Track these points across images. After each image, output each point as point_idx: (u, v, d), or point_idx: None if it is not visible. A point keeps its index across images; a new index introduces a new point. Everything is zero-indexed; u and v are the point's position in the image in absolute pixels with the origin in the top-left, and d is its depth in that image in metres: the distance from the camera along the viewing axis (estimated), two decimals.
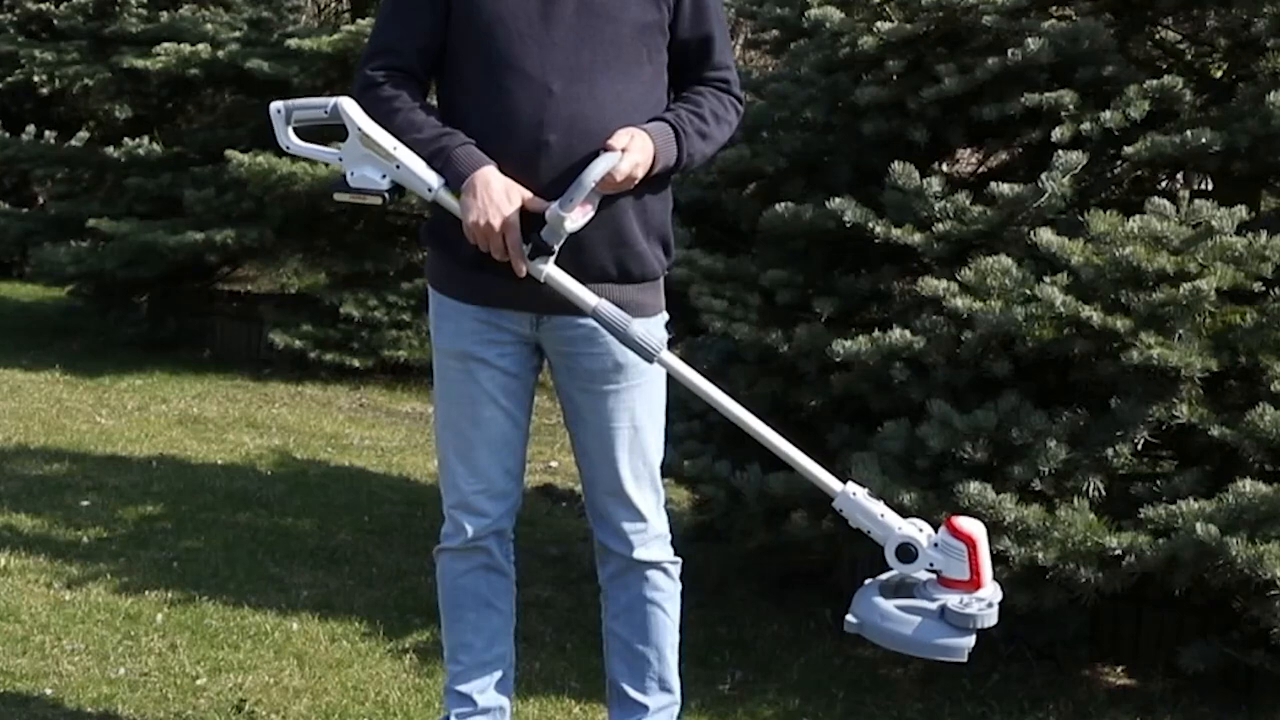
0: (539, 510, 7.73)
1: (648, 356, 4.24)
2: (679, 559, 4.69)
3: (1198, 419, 5.27)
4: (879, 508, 4.17)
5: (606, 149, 4.17)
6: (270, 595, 6.49)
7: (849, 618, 4.15)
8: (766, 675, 5.85)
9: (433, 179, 4.25)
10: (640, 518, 4.58)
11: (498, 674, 4.75)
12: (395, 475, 8.71)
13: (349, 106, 4.28)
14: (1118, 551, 5.11)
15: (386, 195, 4.30)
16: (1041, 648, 5.87)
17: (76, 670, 5.56)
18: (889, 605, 4.14)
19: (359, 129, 4.27)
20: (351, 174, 4.29)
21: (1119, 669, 5.86)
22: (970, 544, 4.09)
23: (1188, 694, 5.60)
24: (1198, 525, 5.00)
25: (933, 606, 4.09)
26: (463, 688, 4.73)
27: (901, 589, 4.17)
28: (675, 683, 4.75)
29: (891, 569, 4.15)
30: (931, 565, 4.08)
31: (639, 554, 4.61)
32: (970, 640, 4.06)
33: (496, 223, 4.18)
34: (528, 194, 4.20)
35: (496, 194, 4.19)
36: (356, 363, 11.22)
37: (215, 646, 5.89)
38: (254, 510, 7.80)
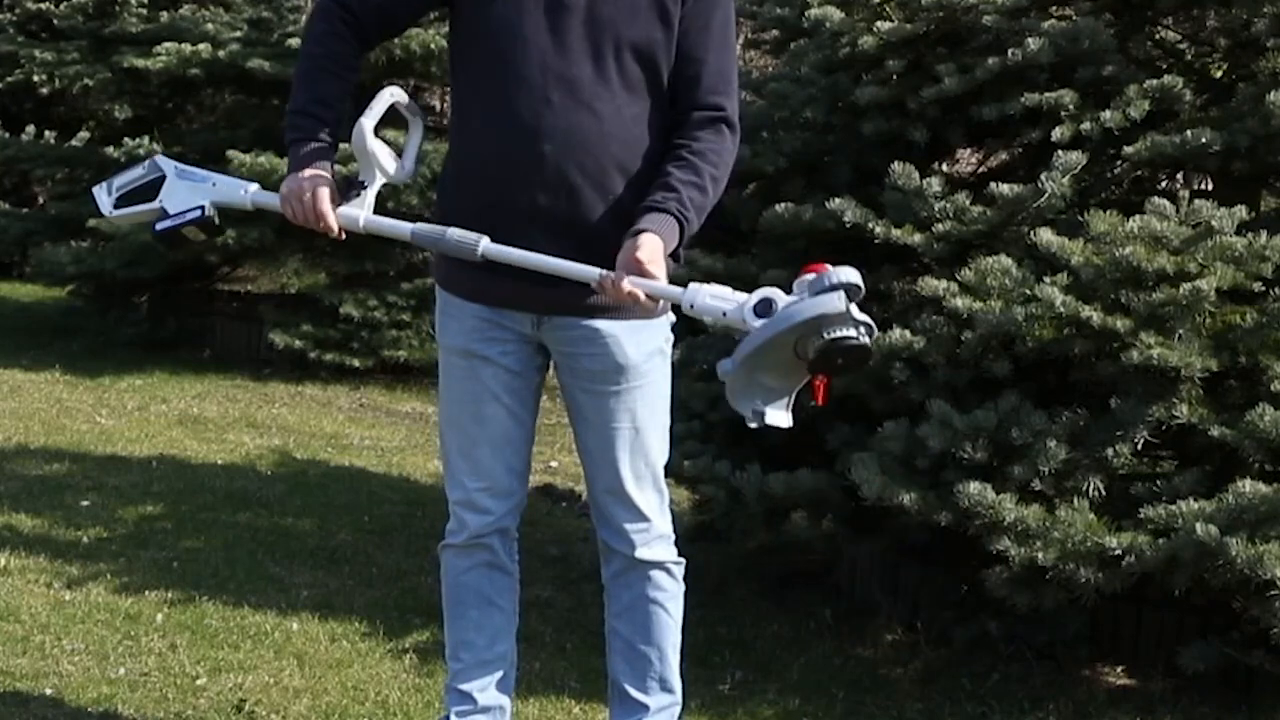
0: (539, 510, 7.74)
1: (469, 255, 4.24)
2: (682, 559, 4.69)
3: (1198, 419, 5.28)
4: (726, 290, 4.11)
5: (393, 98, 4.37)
6: (270, 595, 6.50)
7: (721, 367, 4.08)
8: (766, 675, 5.86)
9: (248, 186, 4.44)
10: (642, 517, 4.58)
11: (499, 673, 4.76)
12: (395, 475, 8.72)
13: (164, 161, 4.49)
14: (1118, 551, 5.11)
15: (205, 214, 4.41)
16: (1041, 648, 5.87)
17: (76, 670, 5.57)
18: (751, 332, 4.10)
19: (176, 168, 4.46)
20: (169, 207, 4.41)
21: (1119, 669, 5.87)
22: (819, 268, 4.05)
23: (1188, 694, 5.60)
24: (1198, 525, 5.00)
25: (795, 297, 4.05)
26: (463, 686, 4.74)
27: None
28: (676, 683, 4.75)
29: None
30: (793, 301, 4.04)
31: (641, 553, 4.61)
32: (837, 294, 3.98)
33: (298, 210, 4.34)
34: (330, 185, 4.31)
35: (302, 190, 4.32)
36: (356, 363, 11.24)
37: (215, 646, 5.89)
38: (254, 510, 7.81)
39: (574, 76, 4.33)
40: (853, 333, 3.98)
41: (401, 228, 4.29)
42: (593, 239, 4.32)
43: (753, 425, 4.17)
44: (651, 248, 4.19)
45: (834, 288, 3.98)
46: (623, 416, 4.52)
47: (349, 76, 4.45)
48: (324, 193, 4.27)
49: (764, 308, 4.01)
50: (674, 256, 4.37)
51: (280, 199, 4.34)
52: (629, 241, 4.19)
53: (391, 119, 4.48)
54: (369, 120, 4.25)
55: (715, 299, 4.10)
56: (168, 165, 4.44)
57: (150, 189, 4.48)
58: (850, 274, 4.00)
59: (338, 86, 4.42)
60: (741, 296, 4.07)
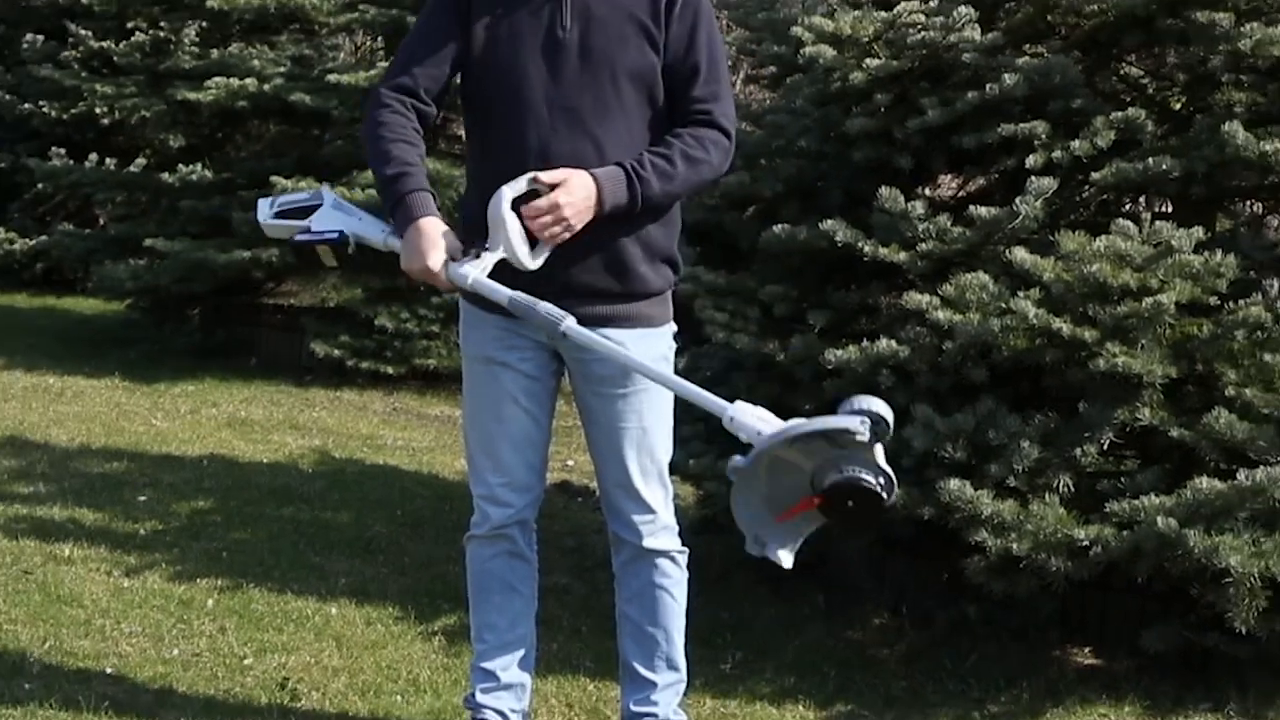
0: (557, 505, 7.72)
1: (553, 329, 4.23)
2: (686, 549, 4.71)
3: (1158, 421, 5.29)
4: (765, 413, 4.09)
5: (536, 181, 4.24)
6: (311, 582, 6.51)
7: (730, 469, 4.03)
8: (764, 656, 5.86)
9: (387, 230, 4.42)
10: (649, 510, 4.60)
11: (520, 652, 4.78)
12: (425, 473, 8.71)
13: (328, 193, 4.52)
14: (1085, 543, 5.12)
15: (341, 237, 4.43)
16: (1016, 630, 5.87)
17: (134, 651, 5.58)
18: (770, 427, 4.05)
19: (335, 200, 4.47)
20: (313, 225, 4.41)
21: (1087, 650, 5.86)
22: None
23: (1150, 673, 5.60)
24: (1159, 519, 5.01)
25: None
26: (487, 664, 4.76)
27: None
28: (681, 662, 4.77)
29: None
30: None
31: (648, 543, 4.63)
32: (857, 418, 3.87)
33: (418, 267, 4.28)
34: (454, 243, 4.29)
35: (424, 241, 4.28)
36: (390, 370, 11.22)
37: (261, 629, 5.91)
38: (296, 505, 7.81)
39: (575, 105, 4.36)
40: (869, 477, 3.88)
41: (501, 292, 4.26)
42: (599, 253, 4.39)
43: (751, 552, 4.15)
44: (580, 177, 4.26)
45: (859, 412, 3.91)
46: (630, 418, 4.54)
47: (420, 145, 4.47)
48: (437, 258, 4.26)
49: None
50: (629, 215, 4.37)
51: (402, 265, 4.34)
52: (566, 170, 4.26)
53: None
54: (510, 190, 4.21)
55: (756, 419, 4.06)
56: (328, 196, 4.46)
57: (305, 212, 4.50)
58: (878, 405, 3.93)
59: (415, 153, 4.43)
60: (780, 422, 4.02)
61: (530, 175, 4.22)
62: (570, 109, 4.36)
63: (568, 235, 4.25)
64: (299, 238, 4.44)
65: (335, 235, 4.39)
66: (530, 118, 4.37)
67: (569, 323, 4.20)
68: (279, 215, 4.55)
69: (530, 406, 4.60)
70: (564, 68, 4.38)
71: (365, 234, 4.41)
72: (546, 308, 4.21)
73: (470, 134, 4.60)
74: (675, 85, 4.46)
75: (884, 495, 3.88)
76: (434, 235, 4.27)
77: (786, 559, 4.12)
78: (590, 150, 4.35)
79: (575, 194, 4.23)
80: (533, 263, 4.26)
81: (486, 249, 4.27)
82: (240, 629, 5.89)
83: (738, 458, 4.01)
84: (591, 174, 4.27)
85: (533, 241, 4.27)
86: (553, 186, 4.22)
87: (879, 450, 3.91)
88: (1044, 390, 5.47)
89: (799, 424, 3.96)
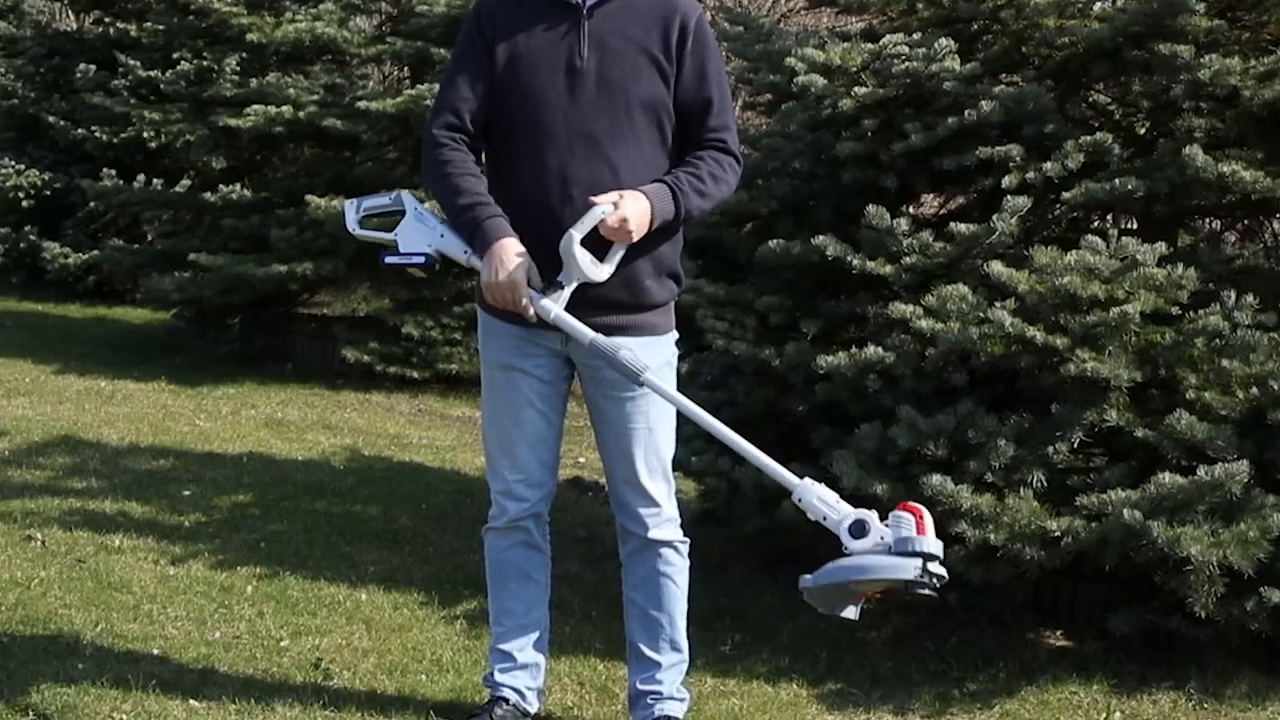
0: (569, 499, 7.73)
1: (634, 377, 4.27)
2: (688, 539, 4.72)
3: (1124, 422, 5.29)
4: (833, 497, 4.15)
5: (592, 204, 4.24)
6: (343, 570, 6.51)
7: (802, 583, 4.10)
8: (761, 638, 5.86)
9: (464, 246, 4.39)
10: (654, 503, 4.61)
11: (535, 634, 4.79)
12: (448, 469, 8.71)
13: (408, 197, 4.43)
14: (1057, 534, 5.13)
15: (429, 260, 4.39)
16: (993, 615, 5.86)
17: (179, 634, 5.59)
18: (836, 561, 4.10)
19: (416, 209, 4.38)
20: (401, 244, 4.36)
21: (1058, 633, 5.85)
22: (918, 514, 4.03)
23: (1116, 654, 5.59)
24: (1125, 511, 5.02)
25: (882, 550, 4.05)
26: (505, 646, 4.77)
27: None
28: (684, 643, 4.78)
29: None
30: (881, 538, 4.03)
31: (653, 534, 4.64)
32: (915, 562, 3.95)
33: (504, 281, 4.27)
34: (530, 265, 4.29)
35: (508, 260, 4.28)
36: (415, 374, 11.22)
37: (296, 614, 5.91)
38: (329, 499, 7.81)
39: (592, 131, 4.38)
40: (925, 588, 3.98)
41: (583, 332, 4.30)
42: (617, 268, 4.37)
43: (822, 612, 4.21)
44: (633, 196, 4.29)
45: (916, 554, 3.96)
46: (637, 418, 4.54)
47: (483, 179, 4.49)
48: (523, 287, 4.27)
49: (858, 529, 4.03)
50: (668, 229, 4.43)
51: (483, 285, 4.33)
52: (621, 190, 4.30)
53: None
54: (578, 232, 4.22)
55: (822, 502, 4.12)
56: (409, 203, 4.43)
57: (389, 218, 4.48)
58: (935, 546, 3.98)
59: (481, 185, 4.46)
60: (845, 508, 4.09)
61: (599, 212, 4.23)
62: (587, 134, 4.38)
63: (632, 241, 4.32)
64: (389, 259, 4.42)
65: (423, 259, 4.38)
66: (550, 142, 4.39)
67: (648, 374, 4.28)
68: (364, 223, 4.52)
69: (544, 409, 4.61)
70: (582, 95, 4.39)
71: (448, 251, 4.38)
72: (627, 355, 4.27)
73: (491, 157, 4.59)
74: (690, 115, 4.49)
75: (937, 593, 4.02)
76: (514, 255, 4.29)
77: (854, 614, 4.16)
78: (606, 172, 4.36)
79: (635, 209, 4.27)
80: (604, 275, 4.32)
81: (560, 283, 4.31)
82: (277, 613, 5.90)
83: (806, 578, 4.10)
84: (643, 191, 4.31)
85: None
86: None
87: (936, 564, 4.00)
88: (1019, 393, 5.46)
89: (862, 569, 4.03)
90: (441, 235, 4.39)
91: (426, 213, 4.42)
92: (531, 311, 4.28)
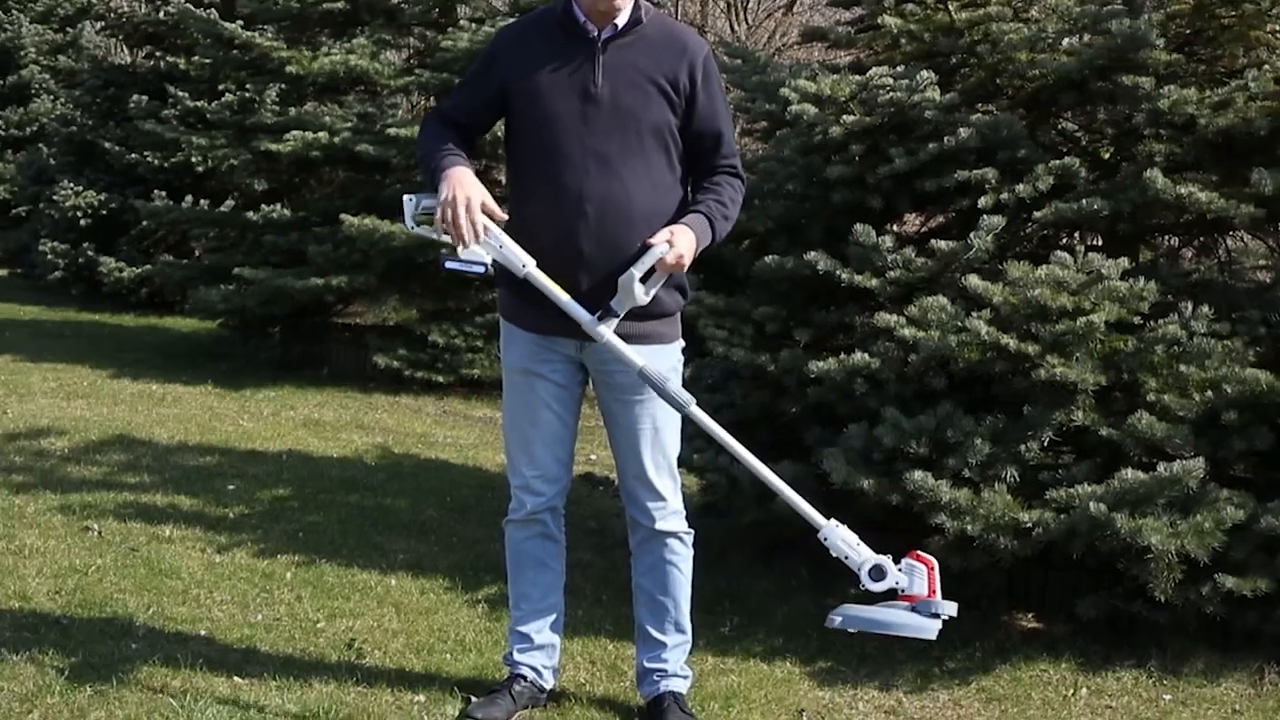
0: (582, 493, 7.73)
1: (679, 408, 4.32)
2: (692, 530, 4.73)
3: (1090, 422, 5.30)
4: (854, 539, 4.20)
5: (649, 245, 4.30)
6: (374, 558, 6.52)
7: (830, 617, 4.18)
8: (757, 621, 5.87)
9: (524, 258, 4.34)
10: (660, 498, 4.62)
11: (551, 617, 4.81)
12: (471, 466, 8.72)
13: None
14: (1029, 525, 5.13)
15: (487, 271, 4.36)
16: (970, 600, 5.81)
17: (224, 616, 5.60)
18: (867, 606, 4.16)
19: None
20: (461, 250, 4.34)
21: (1030, 615, 5.85)
22: (930, 565, 4.13)
23: (1083, 635, 5.59)
24: (1091, 505, 5.02)
25: (903, 605, 4.12)
26: (523, 628, 4.79)
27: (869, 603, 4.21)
28: (687, 625, 4.80)
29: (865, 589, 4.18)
30: (897, 584, 4.10)
31: (660, 525, 4.65)
32: (937, 624, 4.10)
33: (459, 195, 4.29)
34: (486, 194, 4.35)
35: (462, 180, 4.32)
36: (441, 379, 11.22)
37: (331, 598, 5.92)
38: (361, 492, 7.82)
39: (606, 153, 4.39)
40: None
41: (633, 360, 4.34)
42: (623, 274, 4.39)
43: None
44: (683, 230, 4.35)
45: (936, 616, 4.11)
46: (645, 420, 4.56)
47: (464, 147, 4.53)
48: (476, 202, 4.32)
49: (877, 574, 4.13)
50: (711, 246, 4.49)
51: (441, 203, 4.33)
52: (670, 227, 4.36)
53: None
54: (638, 271, 4.27)
55: (845, 543, 4.20)
56: None
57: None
58: (951, 608, 4.12)
59: (447, 143, 4.51)
60: (866, 551, 4.18)
61: (657, 251, 4.28)
62: (601, 155, 4.40)
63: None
64: (449, 265, 4.38)
65: (482, 269, 4.35)
66: (566, 162, 4.41)
67: (693, 408, 4.33)
68: (420, 221, 4.48)
69: (560, 410, 4.63)
70: (596, 120, 4.41)
71: (506, 263, 4.36)
72: (675, 388, 4.33)
73: (512, 178, 4.62)
74: (704, 145, 4.55)
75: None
76: (468, 179, 4.35)
77: (949, 607, 4.20)
78: (618, 189, 4.38)
79: (685, 242, 4.33)
80: (648, 299, 4.35)
81: (615, 311, 4.34)
82: (314, 598, 5.91)
83: (836, 619, 4.20)
84: (685, 224, 4.38)
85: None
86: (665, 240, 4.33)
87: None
88: (994, 396, 5.46)
89: (885, 623, 4.16)
90: (500, 246, 4.35)
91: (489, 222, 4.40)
92: (481, 226, 4.30)
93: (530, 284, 4.33)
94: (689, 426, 4.71)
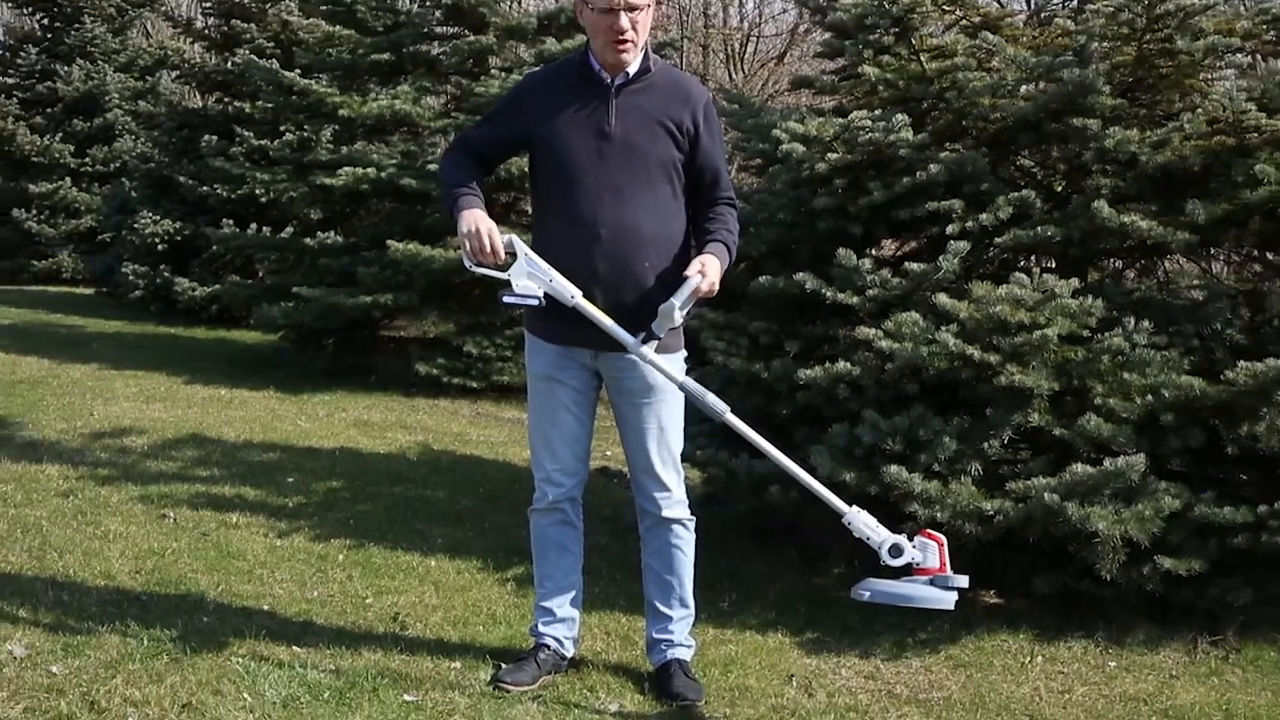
0: (598, 485, 7.73)
1: (716, 416, 4.33)
2: (694, 517, 4.74)
3: (1045, 423, 5.30)
4: (874, 521, 4.20)
5: (687, 276, 4.30)
6: (416, 542, 6.53)
7: (857, 591, 4.16)
8: (752, 597, 5.87)
9: (571, 291, 4.33)
10: (666, 488, 4.62)
11: (571, 594, 4.81)
12: (501, 461, 8.73)
13: (520, 243, 4.36)
14: (991, 513, 5.14)
15: (540, 303, 4.36)
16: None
17: (284, 593, 5.61)
18: (890, 581, 4.15)
19: (526, 255, 4.34)
20: (516, 285, 4.34)
21: (992, 593, 5.84)
22: (939, 542, 4.13)
23: (1038, 609, 5.59)
24: (1045, 495, 5.03)
25: (922, 580, 4.11)
26: (546, 604, 4.79)
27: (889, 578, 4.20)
28: (691, 601, 4.80)
29: (885, 565, 4.16)
30: (913, 560, 4.10)
31: (666, 513, 4.66)
32: (953, 596, 4.08)
33: (481, 228, 4.30)
34: (494, 225, 4.33)
35: (478, 216, 4.34)
36: (474, 384, 11.23)
37: (378, 577, 5.93)
38: (404, 484, 7.83)
39: (618, 184, 4.41)
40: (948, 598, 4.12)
41: (674, 375, 4.38)
42: (635, 290, 4.43)
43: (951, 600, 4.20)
44: (711, 260, 4.36)
45: (952, 589, 4.09)
46: (652, 420, 4.56)
47: (480, 178, 4.55)
48: (494, 235, 4.31)
49: (895, 551, 4.10)
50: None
51: (461, 236, 4.34)
52: (699, 258, 4.37)
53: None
54: (678, 300, 4.27)
55: (866, 526, 4.17)
56: (520, 248, 4.35)
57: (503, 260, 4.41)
58: (963, 581, 4.09)
59: (475, 179, 4.53)
60: (884, 532, 4.15)
61: (693, 283, 4.28)
62: (614, 186, 4.41)
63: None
64: (508, 299, 4.36)
65: (536, 302, 4.35)
66: (583, 192, 4.42)
67: (728, 415, 4.32)
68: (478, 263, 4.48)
69: (578, 412, 4.63)
70: (609, 155, 4.43)
71: (556, 294, 4.33)
72: (712, 399, 4.32)
73: (535, 205, 4.64)
74: (704, 180, 4.56)
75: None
76: (480, 216, 4.35)
77: (961, 580, 4.15)
78: (629, 216, 4.40)
79: (714, 271, 4.35)
80: (682, 321, 4.35)
81: (656, 334, 4.35)
82: (363, 577, 5.92)
83: (863, 592, 4.14)
84: (711, 254, 4.40)
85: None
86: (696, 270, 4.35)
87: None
88: (960, 399, 5.47)
89: (906, 596, 4.12)
90: (550, 280, 4.33)
91: (534, 258, 4.36)
92: (502, 253, 4.31)
93: (555, 301, 4.35)
94: (692, 426, 4.71)
